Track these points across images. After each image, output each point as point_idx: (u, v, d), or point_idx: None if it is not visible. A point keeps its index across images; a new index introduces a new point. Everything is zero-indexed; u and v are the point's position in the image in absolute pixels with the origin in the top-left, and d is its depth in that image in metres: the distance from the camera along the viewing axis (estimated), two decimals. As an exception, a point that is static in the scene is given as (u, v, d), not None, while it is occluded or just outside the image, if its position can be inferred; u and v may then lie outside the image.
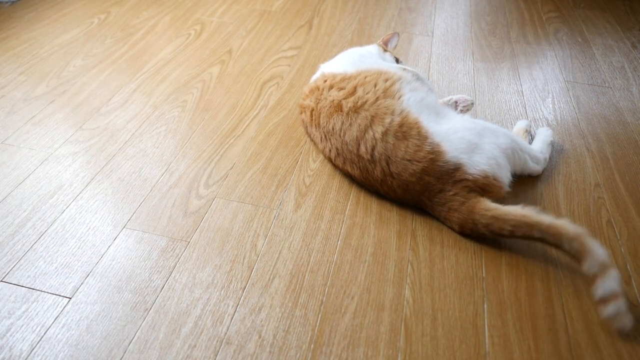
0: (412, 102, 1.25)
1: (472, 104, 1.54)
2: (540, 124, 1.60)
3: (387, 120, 1.21)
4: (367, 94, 1.27)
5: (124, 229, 1.18)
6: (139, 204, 1.24)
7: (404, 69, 1.43)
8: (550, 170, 1.41)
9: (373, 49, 1.58)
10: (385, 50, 1.59)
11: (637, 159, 1.48)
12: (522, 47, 2.06)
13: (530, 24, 2.26)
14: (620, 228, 1.24)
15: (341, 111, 1.27)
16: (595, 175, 1.41)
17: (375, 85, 1.28)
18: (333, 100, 1.29)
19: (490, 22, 2.26)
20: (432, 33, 2.14)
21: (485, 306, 1.04)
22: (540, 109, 1.68)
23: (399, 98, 1.26)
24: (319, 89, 1.35)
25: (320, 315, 1.01)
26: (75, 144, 1.43)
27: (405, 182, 1.19)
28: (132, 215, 1.21)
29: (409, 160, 1.17)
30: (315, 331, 0.98)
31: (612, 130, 1.60)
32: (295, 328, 0.98)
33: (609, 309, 0.99)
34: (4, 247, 1.12)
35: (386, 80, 1.30)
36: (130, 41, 1.96)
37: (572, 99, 1.75)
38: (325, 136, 1.30)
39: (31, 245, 1.12)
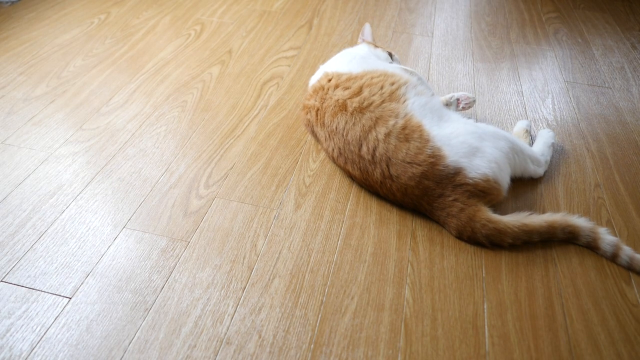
0: (416, 105, 1.25)
1: (474, 101, 1.54)
2: (540, 124, 1.60)
3: (391, 122, 1.21)
4: (373, 95, 1.27)
5: (124, 229, 1.18)
6: (139, 204, 1.24)
7: (403, 69, 1.44)
8: (550, 171, 1.41)
9: (365, 47, 1.57)
10: (375, 47, 1.59)
11: (637, 159, 1.48)
12: (522, 48, 2.06)
13: (530, 25, 2.26)
14: (620, 228, 1.24)
15: (346, 111, 1.27)
16: (595, 175, 1.41)
17: (381, 88, 1.28)
18: (338, 100, 1.29)
19: (490, 23, 2.26)
20: (432, 33, 2.14)
21: (485, 306, 1.04)
22: (540, 109, 1.68)
23: (404, 102, 1.26)
24: (323, 89, 1.35)
25: (320, 315, 1.01)
26: (75, 144, 1.43)
27: (404, 185, 1.19)
28: (132, 215, 1.21)
29: (409, 163, 1.17)
30: (315, 331, 0.98)
31: (612, 130, 1.60)
32: (295, 328, 0.98)
33: (622, 260, 1.13)
34: (4, 247, 1.12)
35: (392, 84, 1.30)
36: (130, 41, 1.96)
37: (572, 99, 1.75)
38: (329, 135, 1.30)
39: (31, 245, 1.12)
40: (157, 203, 1.25)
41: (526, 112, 1.66)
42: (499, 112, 1.66)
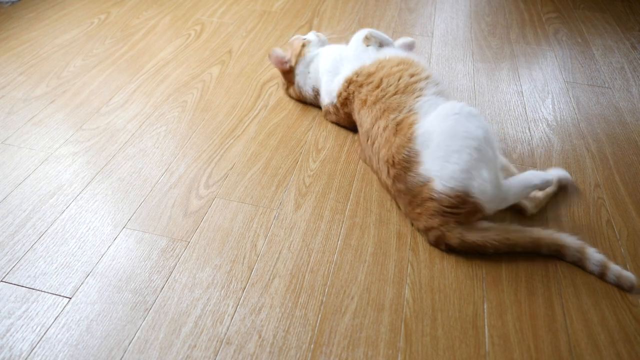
0: (427, 105, 1.19)
1: (414, 42, 1.55)
2: (540, 124, 1.61)
3: (392, 116, 1.21)
4: (389, 86, 1.27)
5: (124, 229, 1.18)
6: (139, 204, 1.24)
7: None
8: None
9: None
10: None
11: (636, 159, 1.48)
12: (521, 48, 2.06)
13: (530, 25, 2.26)
14: (620, 228, 1.24)
15: (366, 104, 1.30)
16: (595, 175, 1.41)
17: (399, 79, 1.27)
18: (363, 97, 1.33)
19: (490, 23, 2.26)
20: (432, 33, 2.14)
21: (485, 306, 1.04)
22: (540, 109, 1.68)
23: (417, 97, 1.22)
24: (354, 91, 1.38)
25: (320, 315, 1.01)
26: (75, 144, 1.43)
27: (384, 182, 1.20)
28: (132, 215, 1.21)
29: (386, 161, 1.17)
30: (315, 331, 0.98)
31: (612, 130, 1.60)
32: (295, 328, 0.98)
33: (609, 278, 1.09)
34: (4, 247, 1.12)
35: (412, 76, 1.28)
36: (130, 41, 1.96)
37: (572, 99, 1.75)
38: (359, 130, 1.35)
39: (31, 245, 1.12)
40: (157, 203, 1.25)
41: (526, 112, 1.66)
42: (499, 112, 1.66)
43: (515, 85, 1.81)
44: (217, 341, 0.95)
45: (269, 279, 1.07)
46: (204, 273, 1.08)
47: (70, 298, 1.02)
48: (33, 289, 1.03)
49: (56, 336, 0.95)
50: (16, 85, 1.67)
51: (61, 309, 0.99)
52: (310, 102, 1.61)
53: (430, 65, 1.91)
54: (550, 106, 1.70)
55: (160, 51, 1.90)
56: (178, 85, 1.71)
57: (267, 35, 2.05)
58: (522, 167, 1.42)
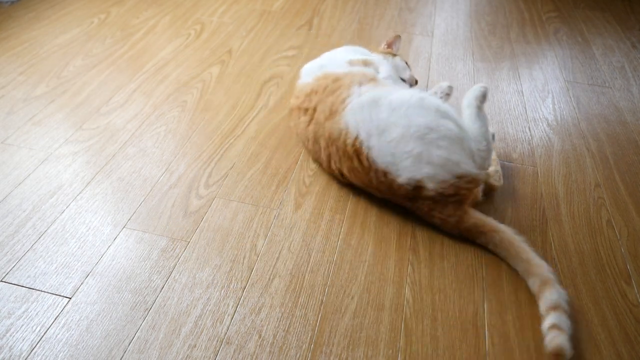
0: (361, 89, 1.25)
1: (450, 87, 1.44)
2: (540, 123, 1.60)
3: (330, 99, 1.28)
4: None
5: (124, 229, 1.18)
6: (139, 203, 1.24)
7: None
8: (550, 170, 1.41)
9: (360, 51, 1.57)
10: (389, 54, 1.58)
11: (637, 159, 1.48)
12: (522, 47, 2.06)
13: (530, 24, 2.26)
14: (620, 228, 1.24)
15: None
16: (595, 175, 1.41)
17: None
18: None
19: (490, 22, 2.26)
20: (432, 33, 2.14)
21: (485, 306, 1.04)
22: (540, 109, 1.68)
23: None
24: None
25: (320, 315, 1.01)
26: (75, 143, 1.43)
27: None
28: (132, 215, 1.21)
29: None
30: (315, 331, 0.98)
31: (612, 130, 1.60)
32: (295, 328, 0.98)
33: (543, 328, 0.97)
34: (4, 247, 1.12)
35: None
36: (130, 41, 1.96)
37: (572, 99, 1.75)
38: None
39: (31, 245, 1.12)
40: (157, 203, 1.25)
41: (526, 112, 1.66)
42: (499, 111, 1.66)
43: (516, 85, 1.81)
44: (217, 341, 0.95)
45: (269, 279, 1.07)
46: (204, 273, 1.08)
47: (70, 298, 1.02)
48: (33, 289, 1.03)
49: (56, 336, 0.95)
50: (16, 85, 1.67)
51: (61, 309, 0.99)
52: None
53: (430, 64, 1.91)
54: (551, 106, 1.70)
55: (160, 51, 1.90)
56: (178, 85, 1.71)
57: (267, 35, 2.05)
58: (523, 167, 1.42)
